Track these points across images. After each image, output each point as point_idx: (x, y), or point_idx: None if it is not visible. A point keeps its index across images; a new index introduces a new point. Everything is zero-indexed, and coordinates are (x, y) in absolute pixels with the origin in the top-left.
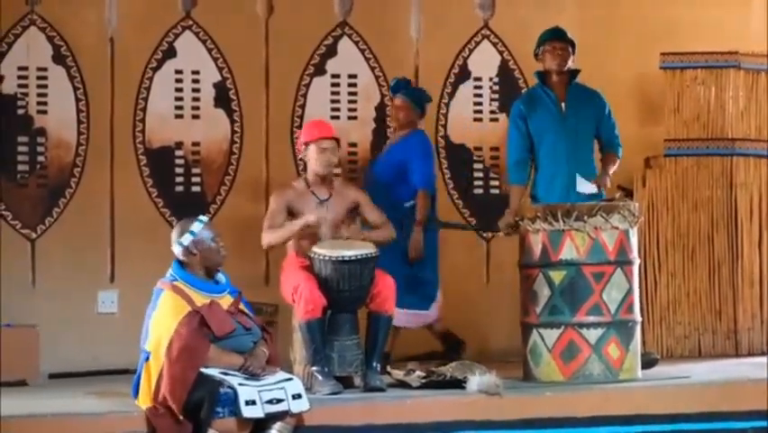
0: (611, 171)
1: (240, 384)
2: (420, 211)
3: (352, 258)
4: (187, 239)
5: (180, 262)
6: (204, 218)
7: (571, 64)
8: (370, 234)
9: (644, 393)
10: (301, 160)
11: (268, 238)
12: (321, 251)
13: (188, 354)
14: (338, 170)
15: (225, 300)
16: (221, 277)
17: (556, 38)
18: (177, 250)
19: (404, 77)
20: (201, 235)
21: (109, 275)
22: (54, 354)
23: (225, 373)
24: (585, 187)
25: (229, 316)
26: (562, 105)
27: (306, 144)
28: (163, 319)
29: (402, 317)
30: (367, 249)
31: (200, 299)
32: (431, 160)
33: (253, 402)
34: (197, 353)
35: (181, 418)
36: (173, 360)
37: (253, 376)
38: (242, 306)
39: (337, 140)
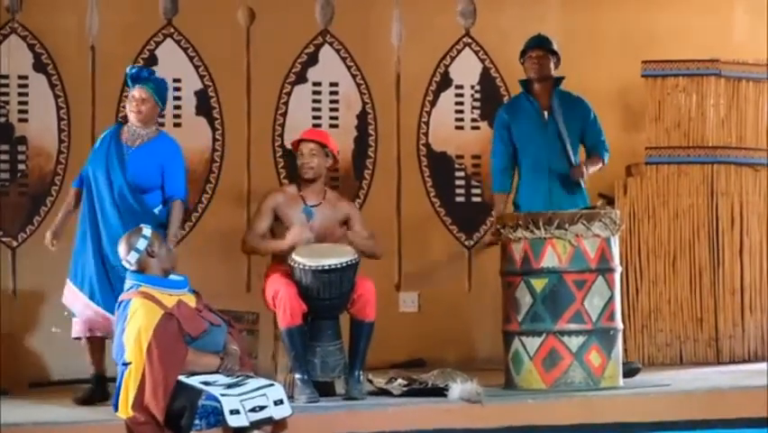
0: (591, 168)
1: (222, 395)
2: (174, 224)
3: (332, 267)
4: (142, 244)
5: (136, 271)
6: (147, 227)
7: (554, 72)
8: (359, 242)
9: (625, 401)
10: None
11: (250, 244)
12: (301, 259)
13: (169, 358)
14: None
15: (189, 298)
16: (176, 276)
17: (536, 46)
18: (133, 258)
19: (144, 65)
20: (152, 239)
21: None
22: (35, 364)
23: (206, 384)
24: None
25: (198, 314)
26: (545, 112)
27: (294, 149)
28: (139, 325)
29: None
30: (347, 256)
31: (167, 299)
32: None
33: (237, 411)
34: (177, 356)
35: (162, 424)
36: (154, 365)
37: (231, 374)
38: (206, 302)
39: (324, 145)
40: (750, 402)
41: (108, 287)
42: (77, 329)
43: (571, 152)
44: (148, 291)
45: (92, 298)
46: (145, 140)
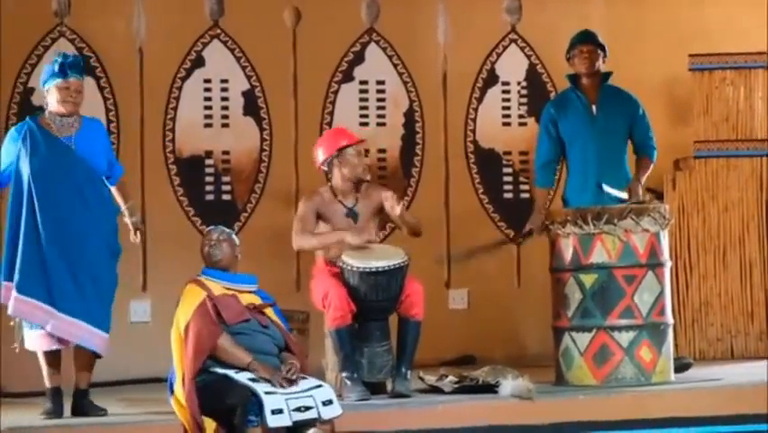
0: (643, 178)
1: (266, 393)
2: (131, 197)
3: (381, 269)
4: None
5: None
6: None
7: (602, 67)
8: (408, 219)
9: (677, 396)
10: (325, 171)
11: (300, 242)
12: (350, 261)
13: (201, 336)
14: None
15: (249, 297)
16: (247, 278)
17: (584, 41)
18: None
19: (76, 54)
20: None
21: (141, 284)
22: None
23: (254, 381)
24: (612, 191)
25: (245, 309)
26: (593, 107)
27: (336, 155)
28: (182, 308)
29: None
30: (397, 258)
31: (220, 290)
32: None
33: (280, 411)
34: (209, 336)
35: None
36: (188, 343)
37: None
38: (270, 312)
39: (361, 141)
40: None
41: (76, 292)
42: (42, 342)
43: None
44: (202, 280)
45: (56, 306)
46: (77, 127)
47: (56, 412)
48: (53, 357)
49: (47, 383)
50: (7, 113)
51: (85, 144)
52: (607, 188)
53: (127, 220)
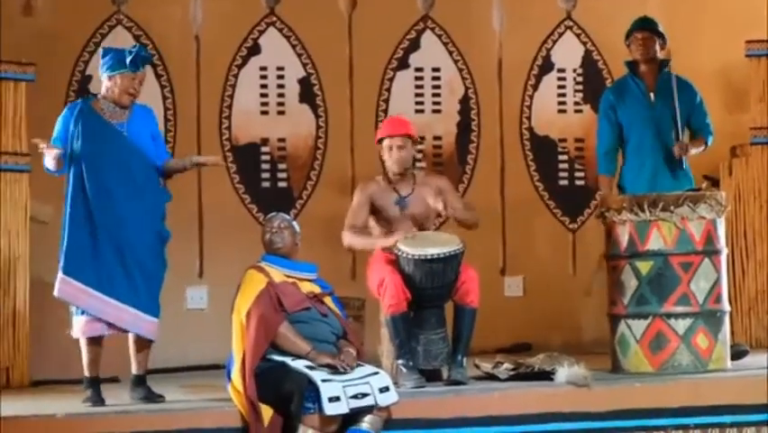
0: (694, 149)
1: (323, 380)
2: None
3: (436, 256)
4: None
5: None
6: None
7: (660, 53)
8: (460, 217)
9: (733, 384)
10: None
11: (349, 240)
12: (405, 248)
13: (263, 323)
14: (422, 164)
15: (308, 286)
16: (307, 266)
17: (640, 28)
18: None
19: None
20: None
21: (198, 271)
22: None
23: (311, 368)
24: None
25: (305, 297)
26: (651, 94)
27: (379, 142)
28: (243, 294)
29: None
30: (452, 246)
31: (281, 277)
32: None
33: (337, 398)
34: (271, 323)
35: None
36: (250, 329)
37: (345, 372)
38: (329, 300)
39: (410, 136)
40: None
41: (125, 278)
42: (85, 329)
43: (680, 131)
44: (263, 266)
45: (104, 291)
46: (128, 113)
47: (98, 400)
48: (94, 345)
49: (86, 372)
50: (65, 100)
51: (136, 131)
52: None
53: (203, 158)
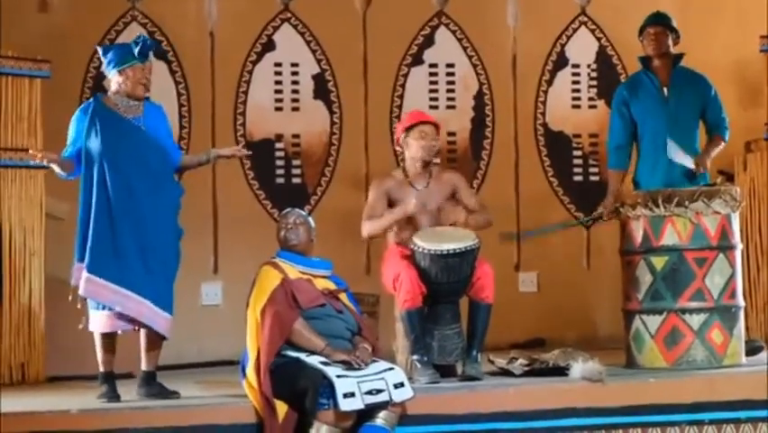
0: (713, 153)
1: (338, 376)
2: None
3: (452, 251)
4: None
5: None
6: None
7: (673, 49)
8: (473, 222)
9: (748, 379)
10: (399, 151)
11: (368, 228)
12: (421, 243)
13: (278, 319)
14: (437, 159)
15: (323, 282)
16: (322, 262)
17: (653, 23)
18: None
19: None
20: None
21: (213, 267)
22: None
23: (326, 364)
24: (678, 155)
25: (320, 294)
26: (665, 89)
27: (407, 131)
28: (258, 290)
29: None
30: (468, 240)
31: (295, 274)
32: None
33: (352, 394)
34: (286, 320)
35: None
36: (264, 326)
37: (360, 367)
38: (344, 297)
39: (437, 126)
40: None
41: (145, 272)
42: (103, 324)
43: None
44: (278, 263)
45: (125, 285)
46: (141, 109)
47: (114, 396)
48: (110, 340)
49: (101, 367)
50: (80, 97)
51: (152, 126)
52: (673, 150)
53: (225, 151)
